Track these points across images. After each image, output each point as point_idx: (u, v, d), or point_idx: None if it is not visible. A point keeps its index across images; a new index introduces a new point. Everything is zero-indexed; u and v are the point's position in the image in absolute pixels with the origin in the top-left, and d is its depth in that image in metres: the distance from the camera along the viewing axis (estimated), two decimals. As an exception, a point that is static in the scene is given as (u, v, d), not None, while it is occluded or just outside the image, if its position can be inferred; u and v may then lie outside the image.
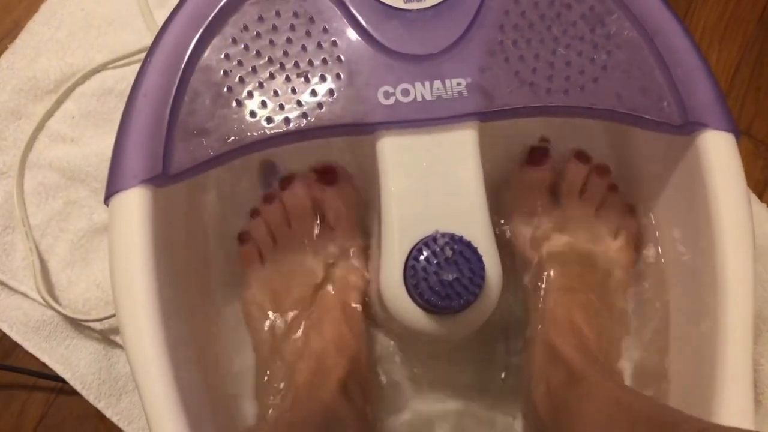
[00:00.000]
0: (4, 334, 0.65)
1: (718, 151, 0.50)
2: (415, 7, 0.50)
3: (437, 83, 0.48)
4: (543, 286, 0.55)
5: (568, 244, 0.56)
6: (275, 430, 0.47)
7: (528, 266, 0.56)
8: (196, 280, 0.55)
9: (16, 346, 0.64)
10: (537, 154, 0.59)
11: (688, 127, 0.50)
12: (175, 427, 0.43)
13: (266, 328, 0.55)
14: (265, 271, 0.55)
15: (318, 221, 0.56)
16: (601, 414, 0.42)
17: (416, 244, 0.46)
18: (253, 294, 0.55)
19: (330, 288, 0.55)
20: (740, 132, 0.70)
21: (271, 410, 0.53)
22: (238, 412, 0.56)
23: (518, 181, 0.59)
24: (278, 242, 0.55)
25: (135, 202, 0.46)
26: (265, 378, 0.54)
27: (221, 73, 0.48)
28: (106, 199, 0.47)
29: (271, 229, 0.55)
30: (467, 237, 0.46)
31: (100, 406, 0.63)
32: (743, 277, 0.48)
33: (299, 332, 0.54)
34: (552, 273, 0.55)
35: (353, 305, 0.55)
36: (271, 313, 0.55)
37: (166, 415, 0.43)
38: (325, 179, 0.56)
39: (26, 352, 0.64)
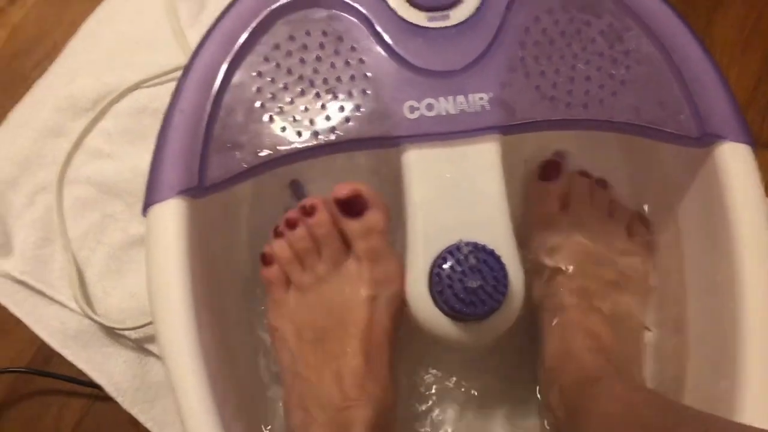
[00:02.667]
0: (43, 342, 0.67)
1: (736, 162, 0.51)
2: (439, 26, 0.51)
3: (460, 98, 0.50)
4: (558, 290, 0.56)
5: (582, 250, 0.57)
6: None
7: (542, 272, 0.57)
8: (230, 289, 0.57)
9: (54, 353, 0.66)
10: (549, 169, 0.60)
11: (706, 139, 0.51)
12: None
13: (287, 360, 0.52)
14: (290, 298, 0.53)
15: (347, 251, 0.52)
16: (612, 416, 0.43)
17: (441, 253, 0.48)
18: (277, 321, 0.53)
19: (354, 321, 0.51)
20: (762, 146, 0.71)
21: None
22: (273, 418, 0.57)
23: (531, 195, 0.60)
24: (306, 269, 0.53)
25: (172, 212, 0.48)
26: (287, 413, 0.52)
27: (254, 89, 0.50)
28: (144, 210, 0.49)
29: (299, 254, 0.52)
30: (490, 246, 0.47)
31: (134, 412, 0.65)
32: (762, 288, 0.48)
33: (315, 373, 0.50)
34: (567, 277, 0.56)
35: (379, 341, 0.51)
36: (292, 346, 0.52)
37: (202, 421, 0.45)
38: (352, 210, 0.52)
39: (64, 360, 0.66)
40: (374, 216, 0.51)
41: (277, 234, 0.53)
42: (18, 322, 0.67)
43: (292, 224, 0.52)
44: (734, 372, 0.47)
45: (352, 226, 0.51)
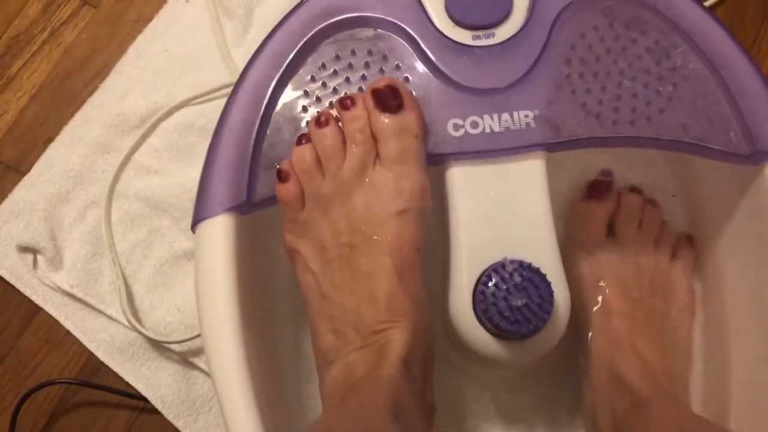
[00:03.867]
0: (91, 354, 0.68)
1: (787, 180, 0.50)
2: (484, 44, 0.51)
3: (505, 115, 0.50)
4: (604, 313, 0.55)
5: (628, 272, 0.56)
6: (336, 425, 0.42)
7: (587, 294, 0.56)
8: (277, 306, 0.58)
9: (101, 365, 0.68)
10: (599, 188, 0.59)
11: (757, 156, 0.51)
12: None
13: (312, 283, 0.49)
14: (309, 214, 0.49)
15: (376, 153, 0.49)
16: None
17: (485, 270, 0.48)
18: (295, 243, 0.49)
19: (384, 236, 0.47)
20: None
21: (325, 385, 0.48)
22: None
23: (579, 214, 0.59)
24: (327, 176, 0.48)
25: (220, 228, 0.48)
26: (316, 338, 0.49)
27: (300, 108, 0.51)
28: (193, 227, 0.50)
29: (321, 157, 0.48)
30: (536, 264, 0.47)
31: (179, 425, 0.66)
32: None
33: (346, 293, 0.47)
34: (613, 300, 0.55)
35: (411, 258, 0.48)
36: (315, 267, 0.49)
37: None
38: (388, 105, 0.48)
39: (111, 372, 0.67)
40: (410, 115, 0.48)
41: (300, 141, 0.50)
42: (67, 334, 0.69)
43: (323, 122, 0.48)
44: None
45: (386, 122, 0.48)
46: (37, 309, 0.70)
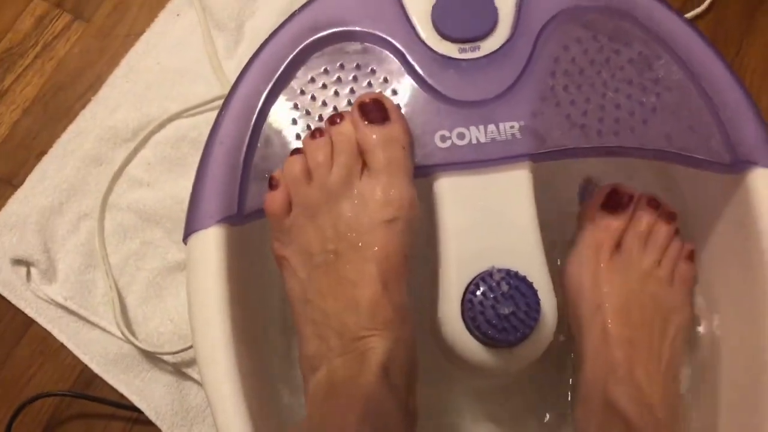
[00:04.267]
0: (85, 366, 0.68)
1: (768, 187, 0.51)
2: (470, 57, 0.52)
3: (491, 126, 0.51)
4: (602, 337, 0.52)
5: (631, 294, 0.54)
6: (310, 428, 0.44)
7: (584, 312, 0.54)
8: (268, 316, 0.58)
9: (95, 377, 0.68)
10: (619, 200, 0.56)
11: (738, 165, 0.51)
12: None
13: (298, 289, 0.49)
14: (296, 221, 0.49)
15: (364, 165, 0.49)
16: None
17: (473, 279, 0.48)
18: (283, 250, 0.50)
19: (370, 245, 0.48)
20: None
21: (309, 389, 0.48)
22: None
23: (590, 222, 0.56)
24: (314, 182, 0.49)
25: (212, 240, 0.49)
26: (302, 343, 0.50)
27: (290, 121, 0.52)
28: (185, 238, 0.51)
29: (311, 166, 0.49)
30: (523, 272, 0.48)
31: (172, 436, 0.67)
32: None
33: (330, 299, 0.48)
34: (613, 326, 0.52)
35: (396, 267, 0.48)
36: (301, 273, 0.49)
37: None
38: (373, 116, 0.49)
39: (105, 383, 0.68)
40: (396, 126, 0.49)
41: (294, 153, 0.51)
42: (61, 347, 0.69)
43: (316, 135, 0.50)
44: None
45: (372, 133, 0.49)
46: (31, 321, 0.70)
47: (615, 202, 0.55)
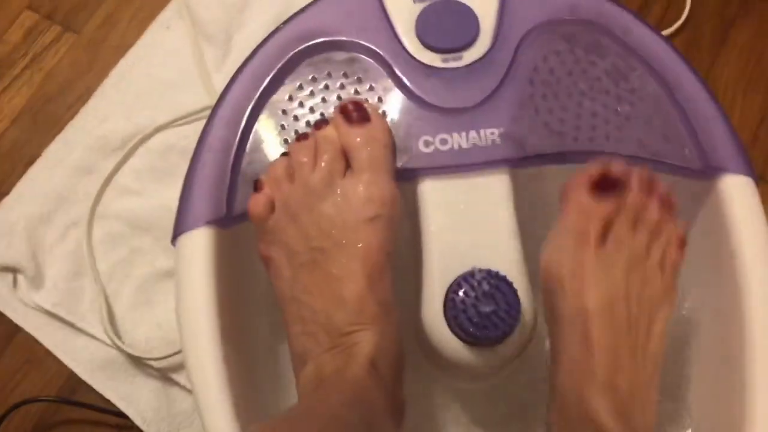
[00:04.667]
0: (71, 372, 0.69)
1: (738, 193, 0.53)
2: (452, 66, 0.54)
3: (473, 133, 0.53)
4: (583, 341, 0.48)
5: (615, 288, 0.49)
6: (298, 421, 0.44)
7: (562, 309, 0.50)
8: (256, 316, 0.59)
9: (81, 383, 0.68)
10: (611, 183, 0.50)
11: (709, 171, 0.54)
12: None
13: (285, 288, 0.50)
14: (279, 221, 0.50)
15: (347, 165, 0.50)
16: None
17: (455, 279, 0.50)
18: (268, 250, 0.51)
19: (354, 242, 0.48)
20: (766, 181, 0.73)
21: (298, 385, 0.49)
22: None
23: (576, 205, 0.50)
24: (297, 182, 0.50)
25: (200, 241, 0.50)
26: (291, 341, 0.51)
27: (279, 126, 0.53)
28: (173, 240, 0.52)
29: (295, 166, 0.50)
30: (503, 272, 0.49)
31: (159, 441, 0.67)
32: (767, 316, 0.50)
33: (317, 296, 0.48)
34: (594, 325, 0.48)
35: (380, 263, 0.49)
36: (287, 273, 0.50)
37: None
38: (353, 117, 0.51)
39: (91, 389, 0.68)
40: (377, 125, 0.51)
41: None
42: (47, 353, 0.69)
43: (301, 137, 0.51)
44: (742, 401, 0.49)
45: (354, 133, 0.50)
46: (17, 329, 0.70)
47: (605, 185, 0.49)
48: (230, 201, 0.51)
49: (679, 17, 0.81)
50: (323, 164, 0.50)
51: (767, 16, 0.82)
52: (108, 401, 0.68)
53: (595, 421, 0.46)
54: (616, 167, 0.50)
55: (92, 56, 0.80)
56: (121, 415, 0.67)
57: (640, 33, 0.57)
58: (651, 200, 0.50)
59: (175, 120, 0.75)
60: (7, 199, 0.74)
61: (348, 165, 0.50)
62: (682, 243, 0.51)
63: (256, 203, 0.50)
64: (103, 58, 0.80)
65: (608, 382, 0.47)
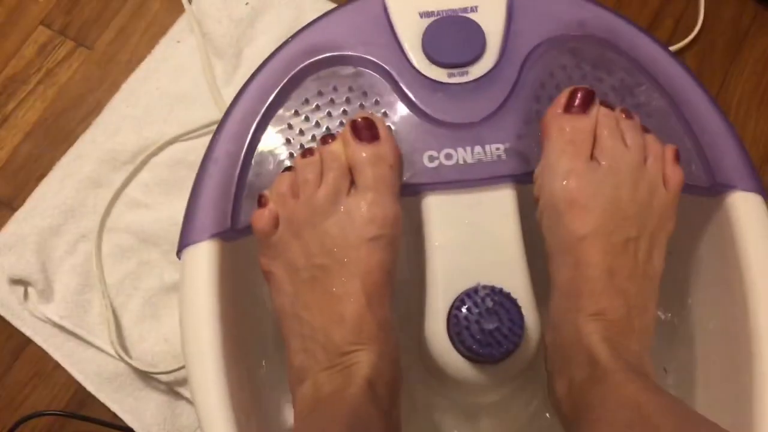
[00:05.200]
0: (79, 385, 0.69)
1: (747, 211, 0.52)
2: (458, 81, 0.54)
3: (478, 148, 0.52)
4: (576, 262, 0.48)
5: (615, 208, 0.48)
6: None
7: (556, 232, 0.49)
8: (259, 333, 0.59)
9: (89, 396, 0.69)
10: (583, 97, 0.50)
11: (716, 188, 0.53)
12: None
13: (286, 304, 0.50)
14: (283, 237, 0.50)
15: (351, 183, 0.50)
16: (619, 422, 0.41)
17: (459, 296, 0.49)
18: (270, 265, 0.51)
19: (355, 261, 0.48)
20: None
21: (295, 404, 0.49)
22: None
23: (554, 129, 0.50)
24: (301, 199, 0.49)
25: (205, 253, 0.50)
26: (290, 356, 0.50)
27: (284, 140, 0.53)
28: (179, 252, 0.52)
29: (300, 182, 0.50)
30: (507, 289, 0.49)
31: (164, 455, 0.67)
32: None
33: (316, 313, 0.48)
34: (590, 247, 0.47)
35: (380, 283, 0.49)
36: (288, 288, 0.50)
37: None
38: (364, 135, 0.50)
39: (98, 403, 0.69)
40: (385, 145, 0.50)
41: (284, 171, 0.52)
42: (56, 367, 0.70)
43: (307, 153, 0.51)
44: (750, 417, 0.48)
45: (362, 151, 0.49)
46: (27, 342, 0.71)
47: (578, 101, 0.50)
48: (235, 214, 0.51)
49: (691, 31, 0.80)
50: (329, 182, 0.49)
51: (782, 29, 0.81)
52: (116, 415, 0.68)
53: (587, 347, 0.46)
54: (583, 87, 0.50)
55: (104, 71, 0.81)
56: (128, 430, 0.68)
57: (647, 48, 0.56)
58: (621, 116, 0.51)
59: (185, 134, 0.76)
60: (19, 213, 0.74)
61: (353, 182, 0.50)
62: (677, 157, 0.51)
63: (260, 218, 0.50)
64: (115, 73, 0.81)
65: (603, 307, 0.47)
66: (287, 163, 0.53)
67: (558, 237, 0.49)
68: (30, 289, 0.72)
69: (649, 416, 0.40)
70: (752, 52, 0.80)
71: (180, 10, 0.82)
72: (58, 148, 0.78)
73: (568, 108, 0.50)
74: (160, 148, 0.76)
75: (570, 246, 0.48)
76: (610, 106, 0.51)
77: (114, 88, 0.80)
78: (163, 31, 0.82)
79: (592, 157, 0.49)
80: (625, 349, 0.46)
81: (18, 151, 0.78)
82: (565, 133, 0.49)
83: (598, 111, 0.50)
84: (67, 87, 0.81)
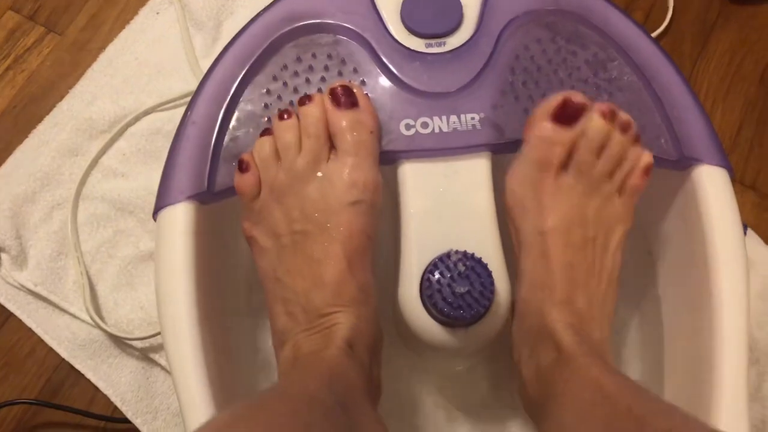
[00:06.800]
0: (51, 375, 0.69)
1: (712, 183, 0.54)
2: (435, 51, 0.55)
3: (453, 117, 0.53)
4: (541, 257, 0.50)
5: (576, 212, 0.50)
6: (272, 401, 0.43)
7: (523, 232, 0.51)
8: (234, 293, 0.60)
9: (61, 386, 0.68)
10: (571, 112, 0.50)
11: (684, 162, 0.54)
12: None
13: (268, 267, 0.51)
14: (265, 202, 0.51)
15: (331, 148, 0.51)
16: (583, 401, 0.43)
17: (432, 261, 0.51)
18: (253, 230, 0.52)
19: (336, 225, 0.49)
20: (746, 187, 0.74)
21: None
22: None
23: (538, 133, 0.51)
24: (283, 164, 0.50)
25: (181, 215, 0.51)
26: (272, 320, 0.52)
27: (262, 105, 0.54)
28: (155, 214, 0.52)
29: (280, 147, 0.51)
30: (479, 254, 0.50)
31: (137, 422, 0.67)
32: (737, 305, 0.51)
33: (298, 278, 0.49)
34: (552, 244, 0.50)
35: (361, 247, 0.50)
36: (270, 253, 0.51)
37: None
38: (343, 101, 0.51)
39: (72, 392, 0.68)
40: (365, 111, 0.51)
41: (263, 133, 0.52)
42: (27, 355, 0.69)
43: (285, 116, 0.51)
44: (710, 383, 0.50)
45: (341, 117, 0.51)
46: (-4, 327, 0.70)
47: (567, 113, 0.50)
48: (212, 176, 0.52)
49: (660, 24, 0.82)
50: (309, 148, 0.50)
51: (747, 22, 0.83)
52: (89, 403, 0.68)
53: (553, 335, 0.48)
54: (577, 96, 0.50)
55: (75, 58, 0.80)
56: (102, 417, 0.67)
57: (620, 24, 0.57)
58: (613, 128, 0.51)
59: (163, 104, 0.76)
60: (-8, 180, 0.74)
61: (333, 148, 0.51)
62: (647, 169, 0.52)
63: (244, 182, 0.51)
64: (87, 61, 0.79)
65: (566, 297, 0.49)
66: (265, 126, 0.53)
67: (523, 232, 0.51)
68: (3, 255, 0.71)
69: (610, 395, 0.42)
70: (719, 44, 0.82)
71: (157, -18, 0.81)
72: (26, 136, 0.76)
73: (556, 117, 0.50)
74: (137, 118, 0.76)
75: (533, 240, 0.50)
76: (613, 116, 0.51)
77: (92, 56, 0.79)
78: (142, 2, 0.81)
79: (564, 166, 0.51)
80: (587, 335, 0.48)
81: (-15, 138, 0.76)
82: (544, 144, 0.50)
83: (585, 122, 0.50)
84: (37, 74, 0.79)
